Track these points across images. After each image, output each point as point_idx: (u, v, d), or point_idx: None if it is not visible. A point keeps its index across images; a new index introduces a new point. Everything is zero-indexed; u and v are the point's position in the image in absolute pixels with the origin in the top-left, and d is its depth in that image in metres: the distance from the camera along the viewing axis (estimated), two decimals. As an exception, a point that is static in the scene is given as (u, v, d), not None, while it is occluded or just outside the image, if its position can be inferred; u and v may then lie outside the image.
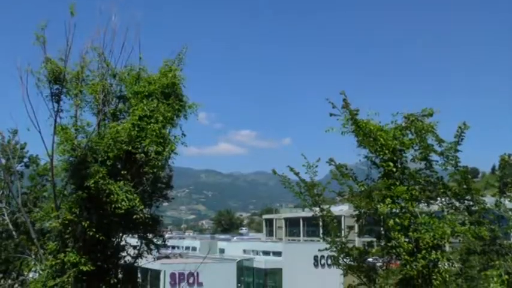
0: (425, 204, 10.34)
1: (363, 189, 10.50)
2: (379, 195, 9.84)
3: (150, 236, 14.08)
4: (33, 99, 11.80)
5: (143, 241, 14.02)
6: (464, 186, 10.06)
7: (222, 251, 57.34)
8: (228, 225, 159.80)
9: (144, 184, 12.29)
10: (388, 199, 9.59)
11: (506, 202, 10.59)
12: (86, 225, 11.65)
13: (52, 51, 12.19)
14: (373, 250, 11.04)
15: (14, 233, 14.93)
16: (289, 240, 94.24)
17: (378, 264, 11.34)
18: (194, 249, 60.62)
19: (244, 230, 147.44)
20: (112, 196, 11.24)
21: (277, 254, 48.42)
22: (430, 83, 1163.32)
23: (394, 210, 9.65)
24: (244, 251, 53.21)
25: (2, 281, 16.89)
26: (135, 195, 11.56)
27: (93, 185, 11.29)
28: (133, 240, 14.05)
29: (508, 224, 10.41)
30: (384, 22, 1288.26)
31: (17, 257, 14.98)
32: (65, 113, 12.49)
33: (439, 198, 10.42)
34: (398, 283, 10.06)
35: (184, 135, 13.08)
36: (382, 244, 10.54)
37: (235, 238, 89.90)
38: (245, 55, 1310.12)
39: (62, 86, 12.32)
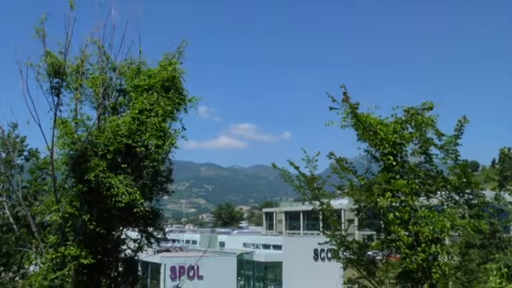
0: (425, 197, 10.34)
1: (363, 183, 10.51)
2: (379, 189, 9.86)
3: (150, 229, 14.12)
4: (33, 92, 11.81)
5: (143, 234, 14.06)
6: (464, 180, 10.05)
7: (222, 244, 57.36)
8: (228, 219, 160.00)
9: (144, 178, 12.28)
10: (388, 193, 9.61)
11: (506, 196, 10.60)
12: (86, 218, 11.68)
13: (52, 45, 12.17)
14: (373, 244, 11.09)
15: (14, 226, 14.99)
16: (289, 233, 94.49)
17: (378, 257, 11.38)
18: (194, 242, 60.65)
19: (244, 223, 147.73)
20: (112, 190, 11.28)
21: (278, 247, 48.42)
22: (430, 77, 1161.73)
23: (394, 203, 9.67)
24: (245, 245, 53.21)
25: (2, 274, 16.95)
26: (135, 188, 11.60)
27: (93, 179, 11.31)
28: (133, 234, 14.10)
29: (507, 218, 10.42)
30: (384, 17, 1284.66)
31: (18, 250, 15.02)
32: (64, 107, 12.52)
33: (438, 192, 10.42)
34: (398, 276, 10.11)
35: (185, 129, 13.13)
36: (382, 238, 10.58)
37: (235, 232, 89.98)
38: (245, 48, 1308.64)
39: (62, 79, 12.29)
